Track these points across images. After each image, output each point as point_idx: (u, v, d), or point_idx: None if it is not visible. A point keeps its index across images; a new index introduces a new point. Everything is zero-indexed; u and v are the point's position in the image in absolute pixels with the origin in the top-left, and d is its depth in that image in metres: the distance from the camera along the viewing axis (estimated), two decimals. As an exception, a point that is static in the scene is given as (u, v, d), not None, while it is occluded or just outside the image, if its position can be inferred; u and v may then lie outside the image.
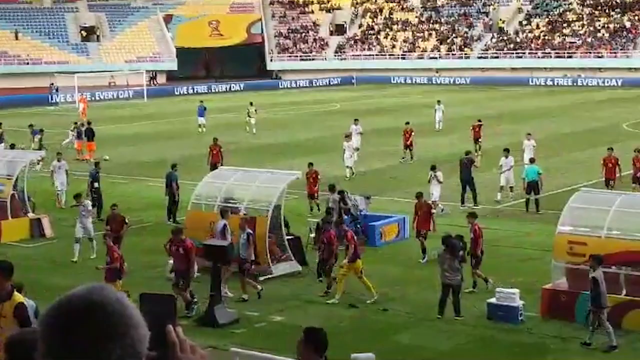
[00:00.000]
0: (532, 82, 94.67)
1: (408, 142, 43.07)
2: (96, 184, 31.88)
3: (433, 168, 31.57)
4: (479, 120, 45.07)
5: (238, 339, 19.06)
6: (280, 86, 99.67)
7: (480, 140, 43.88)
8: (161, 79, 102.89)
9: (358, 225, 28.05)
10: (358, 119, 45.58)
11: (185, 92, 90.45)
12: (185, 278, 20.90)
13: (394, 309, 21.27)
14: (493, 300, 20.46)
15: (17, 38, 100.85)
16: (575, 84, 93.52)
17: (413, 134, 42.98)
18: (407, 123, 43.84)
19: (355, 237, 23.08)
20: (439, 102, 56.27)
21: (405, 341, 19.45)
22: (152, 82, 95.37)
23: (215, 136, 39.97)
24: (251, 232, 22.76)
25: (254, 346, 18.12)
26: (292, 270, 24.57)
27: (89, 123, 47.51)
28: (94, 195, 31.56)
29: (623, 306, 19.79)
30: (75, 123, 48.84)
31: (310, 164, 32.74)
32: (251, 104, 58.22)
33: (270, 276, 23.64)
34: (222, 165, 35.07)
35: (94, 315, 2.37)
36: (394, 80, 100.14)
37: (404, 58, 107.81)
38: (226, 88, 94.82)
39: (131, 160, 45.34)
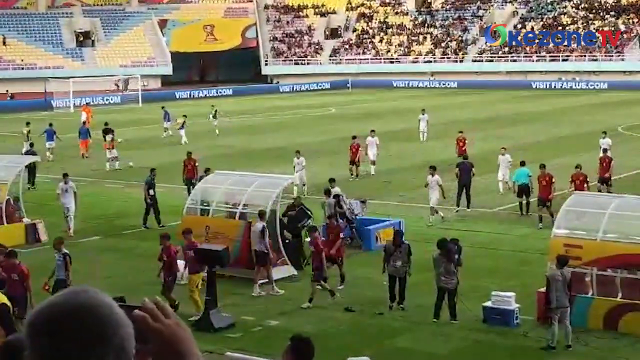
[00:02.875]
0: (526, 85, 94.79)
1: (355, 158, 39.59)
2: (152, 191, 31.06)
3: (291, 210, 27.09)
4: (461, 132, 42.44)
5: (234, 344, 19.05)
6: (275, 90, 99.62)
7: (464, 156, 39.88)
8: (156, 84, 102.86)
9: (353, 230, 28.05)
10: (374, 129, 42.54)
11: (179, 97, 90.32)
12: (20, 305, 17.29)
13: (389, 312, 21.25)
14: (489, 303, 20.45)
15: (4, 44, 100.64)
16: (570, 87, 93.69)
17: (361, 149, 39.66)
18: (354, 137, 40.21)
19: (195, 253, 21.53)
20: (423, 111, 52.82)
21: (401, 345, 19.43)
22: (126, 88, 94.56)
23: (190, 150, 37.15)
24: (67, 252, 20.95)
25: (250, 350, 18.10)
26: (288, 274, 24.55)
27: (105, 124, 48.13)
28: (150, 202, 31.03)
29: (619, 309, 19.79)
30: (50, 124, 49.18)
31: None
32: (212, 106, 58.92)
33: (266, 280, 23.59)
34: (197, 181, 32.42)
35: (83, 319, 2.34)
36: (389, 84, 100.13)
37: (399, 62, 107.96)
38: (221, 92, 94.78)
39: (127, 166, 45.29)
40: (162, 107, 59.59)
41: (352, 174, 39.26)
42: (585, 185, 29.90)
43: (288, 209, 26.99)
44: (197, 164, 34.86)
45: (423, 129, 51.57)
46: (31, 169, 38.46)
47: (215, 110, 58.44)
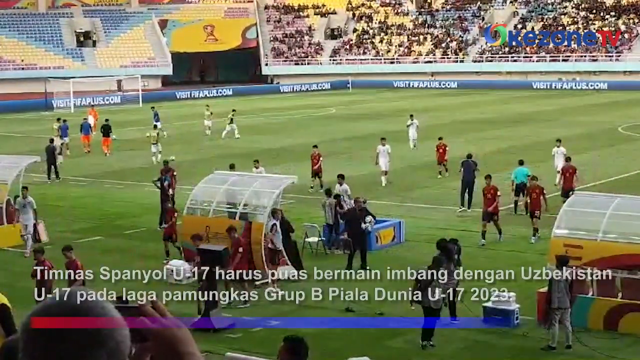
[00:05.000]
0: (527, 85, 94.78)
1: (315, 168, 36.97)
2: (171, 190, 31.13)
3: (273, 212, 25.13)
4: (440, 138, 40.44)
5: (234, 344, 19.05)
6: (275, 91, 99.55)
7: (444, 163, 39.15)
8: (156, 84, 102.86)
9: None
10: (385, 138, 39.71)
11: (179, 97, 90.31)
12: None
13: (389, 313, 21.23)
14: (489, 303, 20.45)
15: None
16: (570, 87, 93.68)
17: (322, 159, 37.11)
18: (315, 146, 38.05)
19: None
20: (411, 116, 48.95)
21: (401, 345, 19.42)
22: (119, 88, 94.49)
23: (171, 157, 36.22)
24: None
25: (250, 351, 18.11)
26: (288, 275, 24.54)
27: (106, 120, 49.78)
28: (165, 199, 30.85)
29: (619, 309, 19.81)
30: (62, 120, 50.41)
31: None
32: (207, 106, 59.43)
33: (266, 281, 23.59)
34: (174, 191, 31.89)
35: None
36: (389, 84, 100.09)
37: (399, 62, 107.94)
38: (222, 93, 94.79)
39: (127, 166, 45.32)
40: (152, 107, 59.65)
41: (312, 187, 36.51)
42: (542, 197, 28.38)
43: (347, 211, 26.88)
44: (174, 173, 32.89)
45: (413, 136, 48.04)
46: (51, 163, 40.10)
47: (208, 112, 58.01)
